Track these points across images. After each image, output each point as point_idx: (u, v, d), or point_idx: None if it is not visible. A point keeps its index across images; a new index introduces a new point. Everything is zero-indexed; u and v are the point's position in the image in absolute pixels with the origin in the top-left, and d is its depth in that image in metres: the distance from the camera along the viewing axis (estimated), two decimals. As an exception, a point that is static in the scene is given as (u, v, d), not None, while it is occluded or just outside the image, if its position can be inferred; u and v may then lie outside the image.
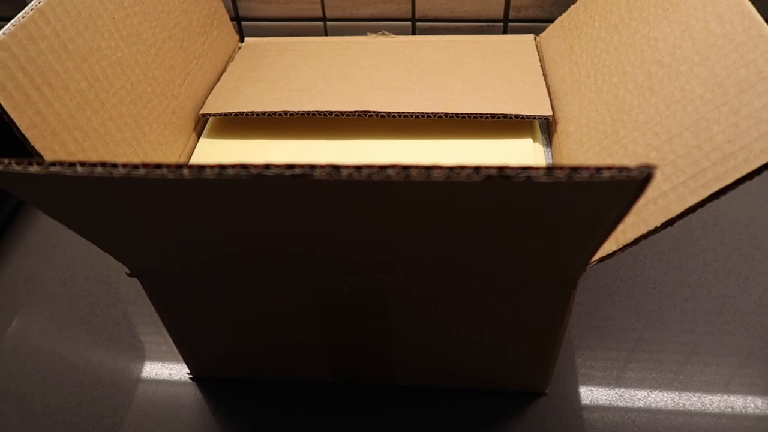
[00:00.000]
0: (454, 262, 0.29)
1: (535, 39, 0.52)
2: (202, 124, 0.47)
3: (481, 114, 0.42)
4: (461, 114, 0.42)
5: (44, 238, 0.53)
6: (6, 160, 0.22)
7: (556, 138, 0.43)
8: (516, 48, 0.50)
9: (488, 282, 0.31)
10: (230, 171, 0.21)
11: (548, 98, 0.44)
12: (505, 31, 0.57)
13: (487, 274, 0.30)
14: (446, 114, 0.42)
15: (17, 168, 0.22)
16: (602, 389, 0.40)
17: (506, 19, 0.55)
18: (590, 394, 0.39)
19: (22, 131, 0.27)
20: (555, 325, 0.33)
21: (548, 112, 0.43)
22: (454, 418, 0.38)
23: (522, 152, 0.42)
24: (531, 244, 0.27)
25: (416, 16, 0.57)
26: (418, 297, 0.32)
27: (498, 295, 0.32)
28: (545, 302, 0.32)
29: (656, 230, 0.29)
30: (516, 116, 0.42)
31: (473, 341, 0.35)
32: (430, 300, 0.32)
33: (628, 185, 0.20)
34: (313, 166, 0.20)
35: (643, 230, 0.29)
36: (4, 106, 0.26)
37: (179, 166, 0.21)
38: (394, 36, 0.54)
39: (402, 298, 0.32)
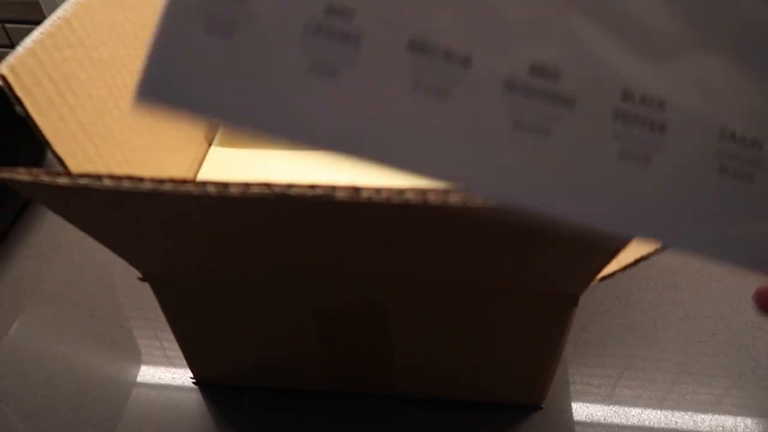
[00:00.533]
0: (462, 279, 0.30)
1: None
2: (213, 133, 0.47)
3: None
4: None
5: (48, 240, 0.53)
6: (35, 171, 0.23)
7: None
8: None
9: (492, 297, 0.32)
10: (254, 189, 0.21)
11: None
12: None
13: (492, 291, 0.31)
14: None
15: (46, 179, 0.22)
16: (596, 405, 0.40)
17: None
18: (585, 410, 0.40)
19: (46, 137, 0.28)
20: (554, 340, 0.34)
21: None
22: (450, 429, 0.39)
23: None
24: (540, 263, 0.28)
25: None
26: (419, 309, 0.33)
27: (500, 311, 0.33)
28: (546, 318, 0.33)
29: (657, 251, 0.30)
30: None
31: (472, 354, 0.36)
32: (431, 312, 0.33)
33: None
34: (334, 188, 0.21)
35: (644, 252, 0.30)
36: (30, 111, 0.27)
37: (204, 183, 0.22)
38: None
39: (403, 310, 0.33)
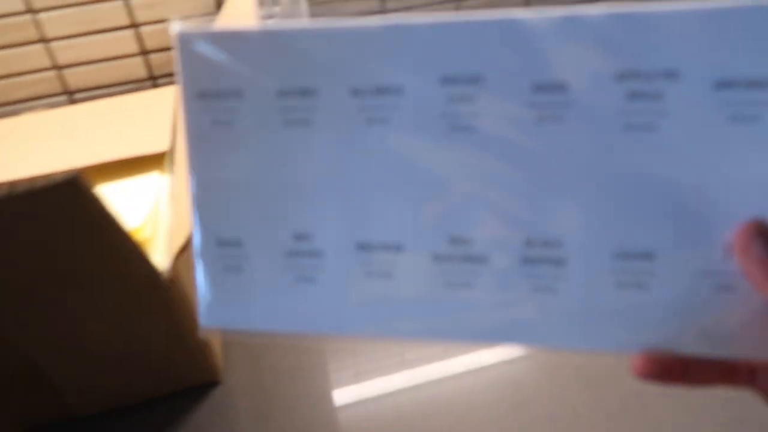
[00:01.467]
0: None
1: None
2: None
3: (107, 161, 0.47)
4: (91, 164, 0.47)
5: None
6: None
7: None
8: (157, 100, 0.57)
9: (88, 289, 0.36)
10: None
11: (169, 136, 0.49)
12: (156, 87, 0.63)
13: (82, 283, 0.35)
14: (83, 167, 0.46)
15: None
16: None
17: (153, 77, 0.61)
18: (265, 376, 0.45)
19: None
20: (174, 317, 0.38)
21: (163, 148, 0.48)
22: (139, 430, 0.42)
23: (148, 186, 0.47)
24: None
25: (71, 90, 0.62)
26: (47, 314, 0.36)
27: (105, 300, 0.36)
28: (142, 297, 0.37)
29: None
30: (139, 156, 0.48)
31: (121, 349, 0.40)
32: (60, 313, 0.36)
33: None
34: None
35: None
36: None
37: None
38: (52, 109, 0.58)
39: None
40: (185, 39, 0.22)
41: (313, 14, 0.58)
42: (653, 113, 0.20)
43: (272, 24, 0.22)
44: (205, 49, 0.22)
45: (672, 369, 0.22)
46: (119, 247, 0.33)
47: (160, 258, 0.39)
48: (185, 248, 0.37)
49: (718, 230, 0.21)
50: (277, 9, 0.55)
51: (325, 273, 0.23)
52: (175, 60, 0.22)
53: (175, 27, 0.22)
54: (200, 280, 0.24)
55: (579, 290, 0.22)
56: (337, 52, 0.21)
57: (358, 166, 0.22)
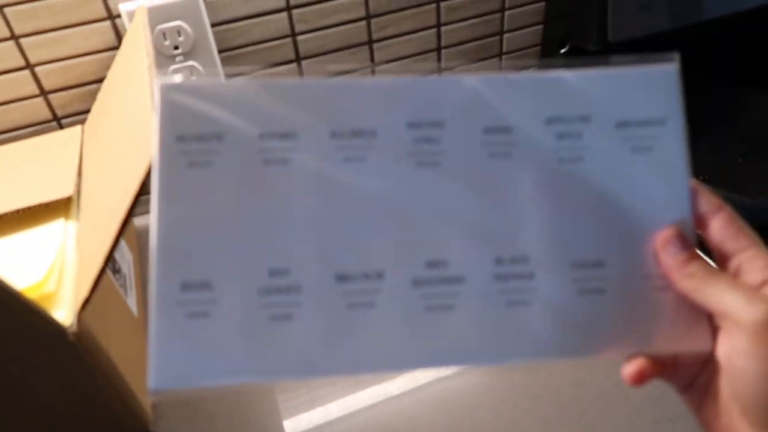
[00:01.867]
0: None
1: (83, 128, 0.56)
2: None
3: (6, 212, 0.44)
4: None
5: None
6: None
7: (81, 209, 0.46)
8: (62, 141, 0.54)
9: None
10: None
11: (74, 179, 0.47)
12: (62, 127, 0.59)
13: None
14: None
15: None
16: (214, 417, 0.44)
17: (57, 118, 0.58)
18: (199, 419, 0.44)
19: None
20: (87, 371, 0.37)
21: (68, 193, 0.45)
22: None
23: (53, 235, 0.44)
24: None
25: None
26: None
27: (8, 363, 0.34)
28: (49, 355, 0.35)
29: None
30: (43, 204, 0.44)
31: (35, 411, 0.38)
32: None
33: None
34: None
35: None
36: None
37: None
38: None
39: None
40: (166, 89, 0.23)
41: (220, 46, 0.57)
42: (578, 149, 0.25)
43: (257, 79, 0.23)
44: (185, 98, 0.23)
45: (647, 369, 0.25)
46: (11, 309, 0.31)
47: (66, 311, 0.36)
48: (91, 298, 0.35)
49: (647, 238, 0.25)
50: (180, 39, 0.53)
51: (303, 308, 0.23)
52: (155, 109, 0.23)
53: (158, 81, 0.23)
54: (155, 333, 0.22)
55: (549, 301, 0.24)
56: (317, 102, 0.24)
57: (336, 200, 0.24)
